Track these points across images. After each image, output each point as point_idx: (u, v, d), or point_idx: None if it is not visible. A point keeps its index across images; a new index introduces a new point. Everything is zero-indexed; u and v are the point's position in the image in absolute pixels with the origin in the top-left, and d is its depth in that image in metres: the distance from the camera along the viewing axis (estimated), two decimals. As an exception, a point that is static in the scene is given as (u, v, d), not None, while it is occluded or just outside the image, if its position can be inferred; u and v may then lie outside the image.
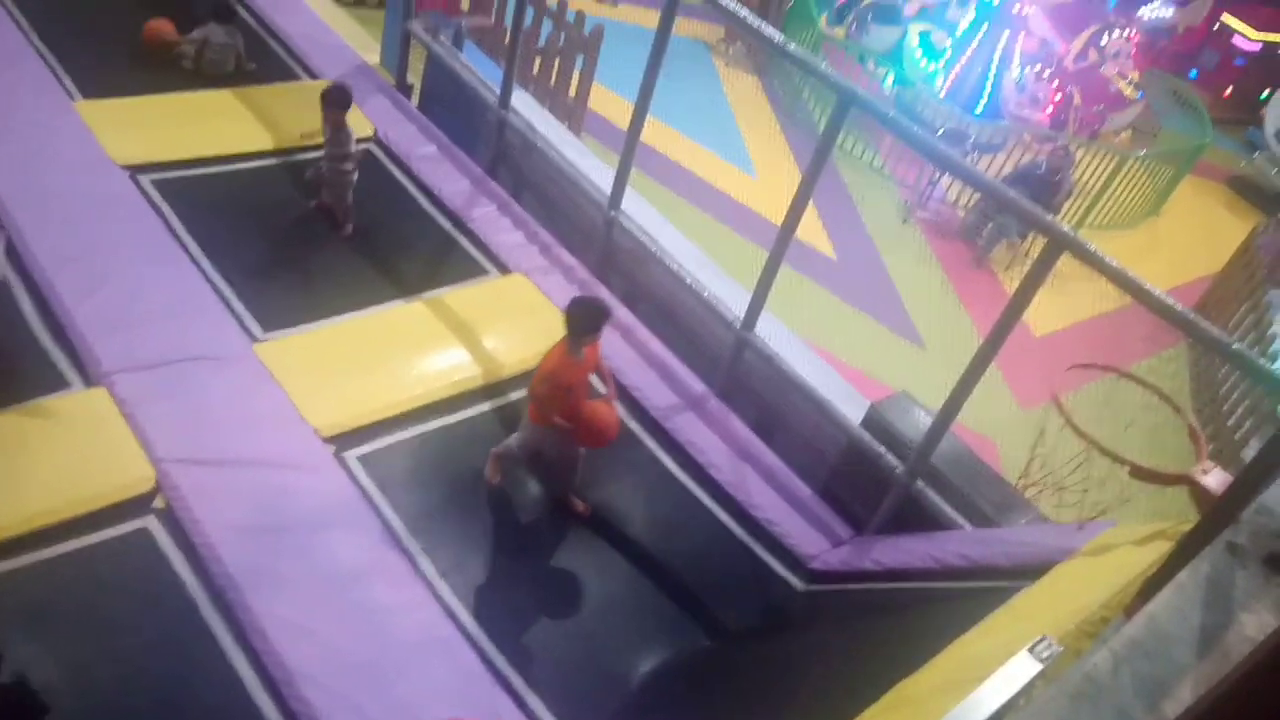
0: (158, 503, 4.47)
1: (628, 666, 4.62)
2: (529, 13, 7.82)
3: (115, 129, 6.40)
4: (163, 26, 7.39)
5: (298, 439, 4.91)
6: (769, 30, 5.42)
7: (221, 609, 4.16)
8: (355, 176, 6.40)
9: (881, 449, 5.24)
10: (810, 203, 5.40)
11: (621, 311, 6.38)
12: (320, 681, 3.93)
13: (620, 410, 5.83)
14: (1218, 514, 2.12)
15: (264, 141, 6.89)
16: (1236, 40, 16.62)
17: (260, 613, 4.10)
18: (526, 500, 5.18)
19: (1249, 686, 1.32)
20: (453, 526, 4.90)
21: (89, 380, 4.87)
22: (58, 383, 4.85)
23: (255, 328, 5.51)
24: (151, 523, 4.41)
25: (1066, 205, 11.04)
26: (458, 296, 6.15)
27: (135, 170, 6.22)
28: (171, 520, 4.42)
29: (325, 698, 3.89)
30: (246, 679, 3.97)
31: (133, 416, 4.68)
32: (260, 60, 7.83)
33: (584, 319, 4.62)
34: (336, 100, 6.11)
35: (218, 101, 7.11)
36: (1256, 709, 1.29)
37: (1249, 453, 8.02)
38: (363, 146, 7.29)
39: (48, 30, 7.21)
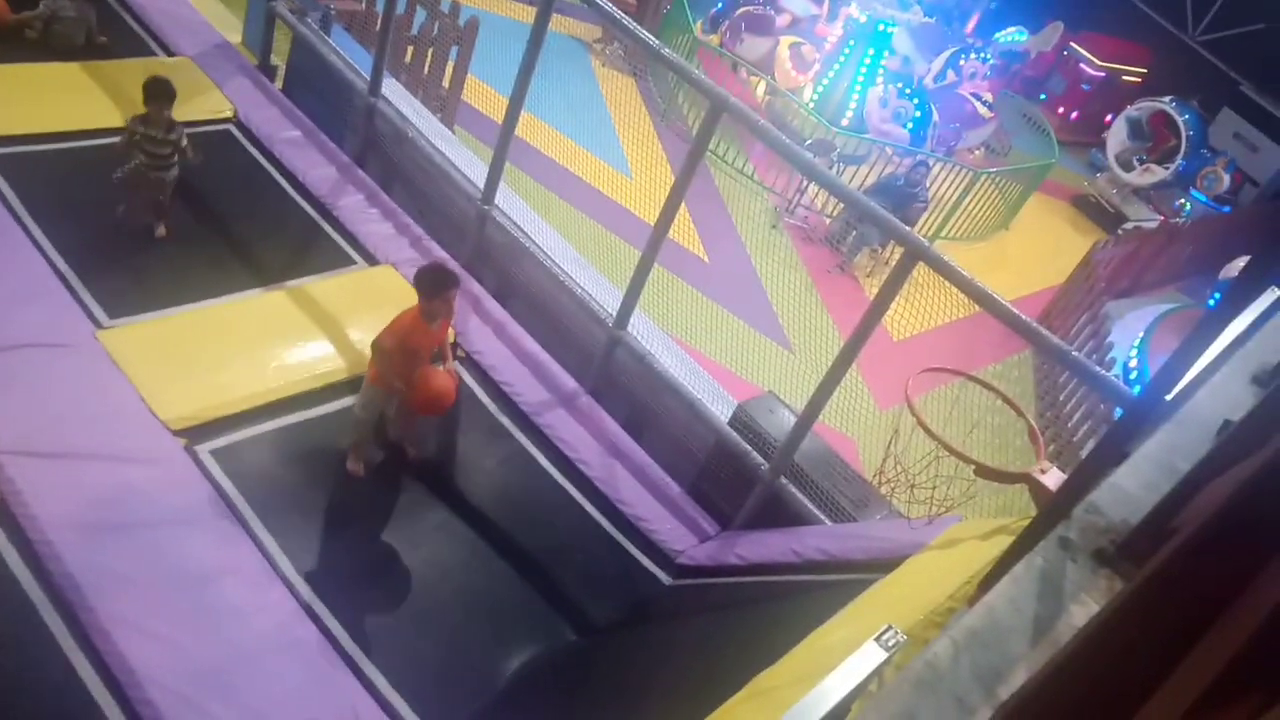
0: (-11, 499, 4.17)
1: (494, 663, 4.58)
2: (402, -1, 7.66)
3: (-54, 97, 5.94)
4: None
5: (144, 432, 4.66)
6: (644, 34, 5.47)
7: (61, 611, 3.90)
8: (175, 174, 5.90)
9: (748, 447, 5.37)
10: (684, 205, 5.48)
11: (494, 307, 6.33)
12: (167, 685, 3.75)
13: (491, 406, 5.80)
14: (1052, 511, 2.26)
15: (114, 118, 6.49)
16: (1083, 67, 17.72)
17: (103, 614, 3.87)
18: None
19: (1071, 667, 1.41)
20: (313, 523, 4.75)
21: (-90, 367, 4.50)
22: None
23: (100, 313, 5.20)
24: (-18, 521, 4.10)
25: (924, 218, 11.54)
26: (322, 286, 5.97)
27: (-33, 143, 5.78)
28: (5, 518, 4.12)
29: (174, 702, 3.71)
30: (89, 682, 3.74)
31: (-40, 407, 4.35)
32: (114, 35, 7.40)
33: (428, 282, 4.70)
34: (162, 92, 5.65)
35: (64, 75, 6.69)
36: (1077, 687, 1.38)
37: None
38: (223, 128, 7.00)
39: None
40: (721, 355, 8.51)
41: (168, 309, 5.39)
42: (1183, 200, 15.34)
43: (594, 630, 4.96)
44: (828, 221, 11.68)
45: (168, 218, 5.96)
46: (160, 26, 7.65)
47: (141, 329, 5.19)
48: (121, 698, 3.73)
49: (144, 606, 3.97)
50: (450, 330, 5.03)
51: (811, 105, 13.06)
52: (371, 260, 6.40)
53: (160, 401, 4.78)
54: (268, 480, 4.82)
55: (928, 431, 3.99)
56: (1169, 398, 2.55)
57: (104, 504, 4.26)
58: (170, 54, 7.46)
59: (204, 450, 4.80)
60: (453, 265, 6.48)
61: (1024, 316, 4.36)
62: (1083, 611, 1.73)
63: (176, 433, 4.75)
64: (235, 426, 4.97)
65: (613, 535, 5.41)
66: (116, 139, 5.76)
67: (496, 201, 6.39)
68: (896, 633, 2.54)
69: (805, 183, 11.44)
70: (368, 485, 5.07)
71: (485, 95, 10.38)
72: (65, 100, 6.47)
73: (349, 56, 7.32)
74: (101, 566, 4.03)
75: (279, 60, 7.89)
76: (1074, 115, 17.88)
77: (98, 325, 5.11)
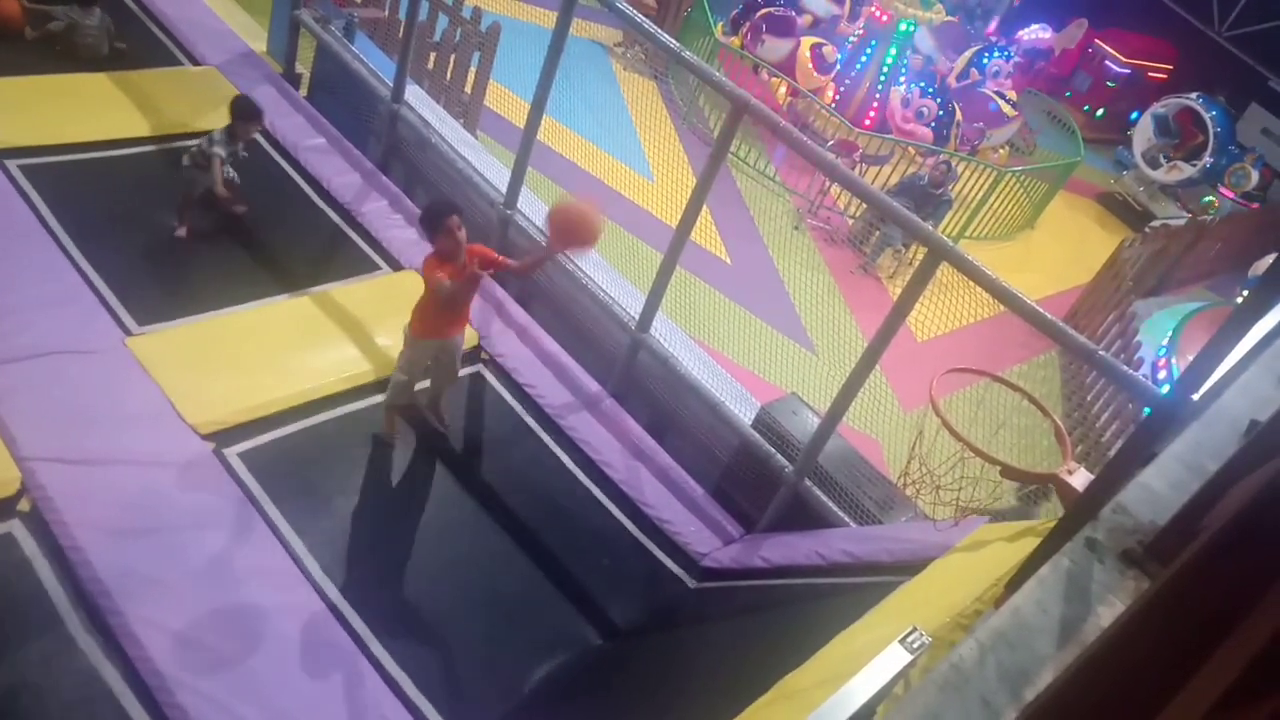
0: (22, 505, 4.23)
1: (519, 665, 4.59)
2: (424, 6, 7.70)
3: (-21, 110, 6.05)
4: (8, 5, 6.98)
5: (173, 436, 4.72)
6: (665, 37, 5.48)
7: (91, 615, 3.96)
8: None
9: (771, 450, 5.36)
10: (706, 207, 5.48)
11: (516, 310, 6.35)
12: (196, 688, 3.79)
13: (515, 408, 5.82)
14: (1079, 511, 2.24)
15: (142, 128, 6.60)
16: (1108, 64, 17.55)
17: (132, 617, 3.92)
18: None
19: (1096, 668, 1.41)
20: (339, 525, 4.79)
21: (-55, 374, 4.58)
22: (-91, 377, 4.56)
23: (129, 320, 5.27)
24: (15, 526, 4.16)
25: (947, 217, 11.47)
26: (347, 292, 6.02)
27: (2, 154, 5.88)
28: (38, 523, 4.18)
29: (202, 704, 3.75)
30: (116, 687, 3.79)
31: (-6, 413, 4.42)
32: (142, 45, 7.51)
33: (427, 221, 4.74)
34: (252, 113, 6.04)
35: (93, 85, 6.79)
36: (1102, 688, 1.38)
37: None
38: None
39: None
40: (744, 357, 8.49)
41: (195, 315, 5.46)
42: (1211, 197, 15.16)
43: (619, 633, 4.96)
44: (850, 222, 11.63)
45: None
46: (186, 36, 7.75)
47: (170, 335, 5.26)
48: (150, 701, 3.78)
49: (173, 608, 4.02)
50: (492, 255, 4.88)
51: (833, 105, 13.01)
52: (395, 265, 6.45)
53: (188, 406, 4.84)
54: (294, 482, 4.87)
55: (952, 432, 3.97)
56: (1197, 397, 2.52)
57: (133, 507, 4.32)
58: (196, 63, 7.55)
59: (232, 453, 4.86)
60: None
61: (1050, 316, 4.32)
62: (1110, 613, 1.72)
63: (204, 436, 4.81)
64: (262, 430, 5.03)
65: (637, 537, 5.42)
66: (146, 149, 5.86)
67: (519, 206, 6.42)
68: (921, 635, 2.53)
69: (828, 183, 11.41)
70: (393, 486, 5.11)
71: (507, 100, 10.42)
72: (93, 111, 6.57)
73: (372, 63, 7.38)
74: (130, 569, 4.09)
75: (303, 68, 7.96)
76: (1099, 112, 17.70)
77: (127, 332, 5.18)
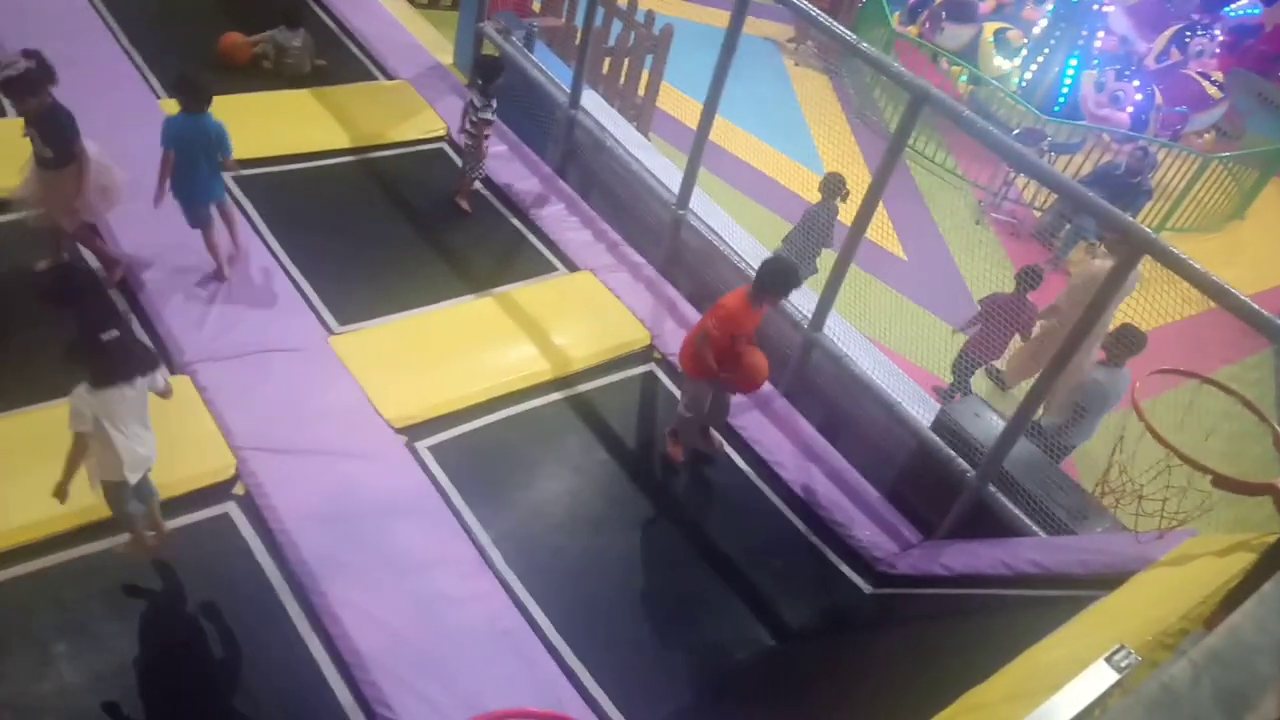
0: (238, 489, 4.61)
1: (692, 662, 4.62)
2: (599, 13, 7.86)
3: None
4: (236, 39, 7.58)
5: (370, 429, 5.02)
6: (840, 29, 5.38)
7: (297, 594, 4.28)
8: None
9: (952, 453, 5.17)
10: (880, 203, 5.35)
11: (688, 310, 6.39)
12: (389, 668, 4.02)
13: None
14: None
15: (341, 140, 7.05)
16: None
17: (334, 599, 4.20)
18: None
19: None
20: (520, 516, 4.97)
21: (173, 368, 5.03)
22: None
23: (331, 320, 5.65)
24: (232, 508, 4.55)
25: (1146, 208, 10.74)
26: (526, 292, 6.23)
27: (219, 167, 6.41)
28: (251, 507, 4.55)
29: (394, 684, 3.97)
30: (321, 662, 4.08)
31: (214, 404, 4.83)
32: (339, 61, 8.03)
33: (772, 277, 4.92)
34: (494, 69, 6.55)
35: (297, 101, 7.31)
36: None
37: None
38: (437, 146, 7.44)
39: (136, 33, 7.48)
40: (922, 357, 8.23)
41: (390, 315, 5.78)
42: None
43: (791, 635, 4.92)
44: (1037, 215, 11.07)
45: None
46: (380, 52, 8.23)
47: (367, 334, 5.60)
48: (349, 678, 4.04)
49: (368, 592, 4.28)
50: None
51: (1018, 92, 12.42)
52: (571, 267, 6.62)
53: (384, 401, 5.14)
54: (479, 476, 5.08)
55: (1158, 438, 3.70)
56: None
57: (334, 495, 4.63)
58: (389, 77, 8.00)
59: (422, 446, 5.12)
60: (648, 270, 6.62)
61: (1265, 312, 3.97)
62: (1343, 635, 1.57)
63: (398, 430, 5.09)
64: (450, 424, 5.27)
65: (811, 540, 5.35)
66: (345, 159, 6.25)
67: (690, 206, 6.46)
68: (1130, 653, 2.37)
69: (1012, 175, 10.90)
70: (570, 482, 5.24)
71: (678, 101, 10.51)
72: (297, 125, 7.07)
73: (550, 71, 7.60)
74: (331, 553, 4.38)
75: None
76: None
77: (329, 331, 5.55)
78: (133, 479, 3.86)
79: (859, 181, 5.97)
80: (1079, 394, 6.10)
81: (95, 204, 5.24)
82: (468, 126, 6.67)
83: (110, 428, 3.67)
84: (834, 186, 7.01)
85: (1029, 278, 6.72)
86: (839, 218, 6.94)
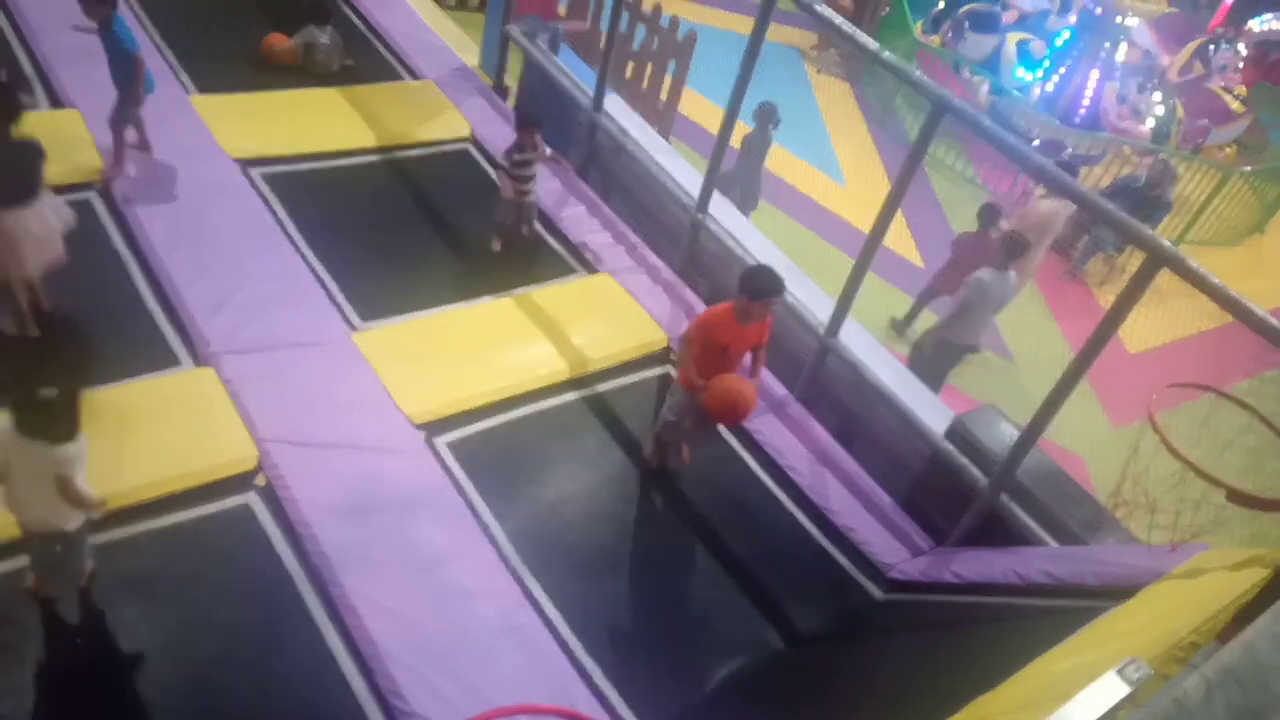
0: (259, 480, 4.67)
1: (702, 664, 4.66)
2: (624, 17, 7.91)
3: (228, 123, 6.70)
4: (279, 41, 7.68)
5: (390, 425, 5.08)
6: (863, 37, 5.41)
7: (316, 586, 4.33)
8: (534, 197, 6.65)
9: (965, 461, 5.19)
10: (899, 211, 5.38)
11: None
12: (404, 661, 4.07)
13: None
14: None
15: (367, 139, 7.12)
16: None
17: (351, 591, 4.25)
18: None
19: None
20: (536, 514, 5.01)
21: (197, 359, 5.12)
22: (168, 359, 5.12)
23: (354, 316, 5.72)
24: (253, 499, 4.61)
25: (1166, 220, 10.71)
26: (546, 294, 6.28)
27: (246, 163, 6.50)
28: (271, 498, 4.62)
29: (408, 677, 4.02)
30: (338, 654, 4.13)
31: (238, 396, 4.90)
32: (366, 60, 8.10)
33: (751, 282, 4.64)
34: (532, 120, 6.36)
35: (324, 99, 7.38)
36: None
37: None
38: (461, 146, 7.50)
39: (166, 28, 7.58)
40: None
41: (411, 313, 5.84)
42: None
43: (801, 639, 4.94)
44: (1056, 227, 11.04)
45: (532, 229, 6.72)
46: (406, 52, 8.31)
47: (389, 331, 5.66)
48: (365, 669, 4.09)
49: (385, 585, 4.33)
50: (765, 336, 4.96)
51: (1039, 103, 12.40)
52: (591, 269, 6.67)
53: (405, 397, 5.20)
54: (497, 473, 5.13)
55: (1173, 451, 3.72)
56: None
57: (354, 489, 4.68)
58: (415, 77, 8.08)
59: (441, 442, 5.18)
60: (666, 273, 6.67)
61: (1285, 328, 3.98)
62: (1358, 653, 1.59)
63: (418, 426, 5.15)
64: (468, 421, 5.33)
65: (822, 545, 5.38)
66: (371, 158, 6.30)
67: (710, 210, 6.50)
68: (1141, 665, 2.39)
69: (1030, 184, 10.90)
70: (586, 482, 5.29)
71: (700, 106, 10.55)
72: (326, 123, 7.14)
73: (575, 74, 7.65)
74: (349, 546, 4.43)
75: (511, 81, 8.36)
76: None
77: (352, 327, 5.61)
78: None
79: (879, 189, 6.00)
80: (965, 290, 6.96)
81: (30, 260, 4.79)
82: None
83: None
84: (767, 115, 8.12)
85: (989, 214, 7.69)
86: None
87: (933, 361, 7.29)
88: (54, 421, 3.43)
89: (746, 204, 8.37)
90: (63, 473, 3.48)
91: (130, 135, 6.01)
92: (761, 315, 4.73)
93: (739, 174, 8.28)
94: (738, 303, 4.70)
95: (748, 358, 5.09)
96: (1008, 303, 7.19)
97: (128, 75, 5.70)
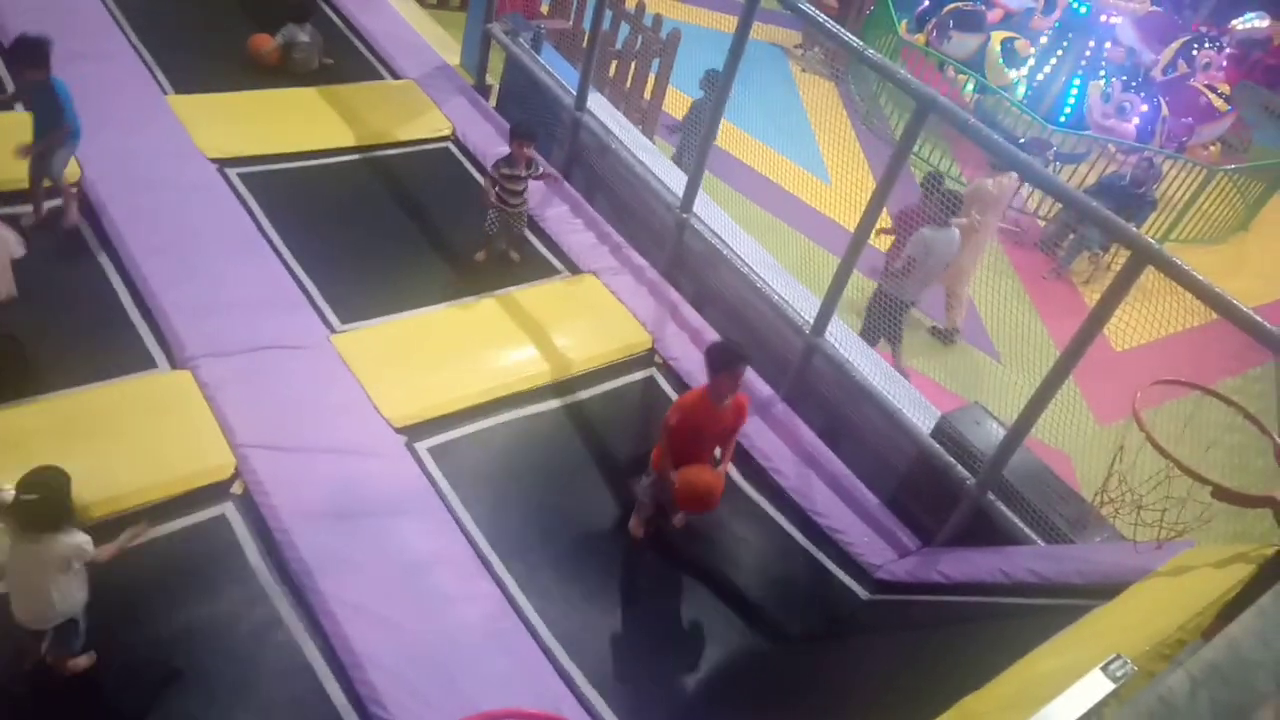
0: (236, 489, 4.59)
1: (688, 667, 4.62)
2: (607, 16, 7.87)
3: (205, 123, 6.62)
4: (264, 43, 7.60)
5: (371, 429, 5.02)
6: (848, 36, 5.39)
7: (294, 593, 4.26)
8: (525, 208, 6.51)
9: (952, 460, 5.16)
10: (885, 209, 5.35)
11: (690, 314, 6.40)
12: (385, 666, 4.01)
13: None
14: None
15: (346, 138, 7.06)
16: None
17: (330, 597, 4.19)
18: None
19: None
20: (518, 519, 4.96)
21: (174, 363, 5.04)
22: (145, 362, 5.04)
23: (333, 318, 5.65)
24: (229, 510, 4.52)
25: (1151, 219, 10.74)
26: (529, 294, 6.23)
27: (223, 164, 6.42)
28: (249, 506, 4.53)
29: (389, 683, 3.96)
30: (315, 663, 4.06)
31: (215, 401, 4.82)
32: (345, 59, 8.04)
33: (715, 355, 4.58)
34: (526, 133, 6.22)
35: (303, 99, 7.31)
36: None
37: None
38: (442, 145, 7.45)
39: (143, 28, 7.49)
40: (924, 365, 8.23)
41: (392, 315, 5.78)
42: None
43: (786, 641, 4.91)
44: (1041, 224, 11.07)
45: (519, 248, 6.58)
46: (387, 51, 8.24)
47: (370, 333, 5.59)
48: (344, 677, 4.02)
49: (366, 591, 4.27)
50: (742, 419, 4.89)
51: (1024, 101, 12.42)
52: (574, 269, 6.62)
53: (385, 401, 5.13)
54: (478, 477, 5.08)
55: (1159, 448, 3.70)
56: None
57: (333, 494, 4.62)
58: (396, 77, 8.02)
59: (422, 447, 5.11)
60: (651, 274, 6.63)
61: (1267, 324, 3.97)
62: (1342, 650, 1.56)
63: (398, 430, 5.08)
64: (450, 425, 5.27)
65: (807, 547, 5.34)
66: (351, 158, 6.21)
67: (694, 210, 6.46)
68: (1126, 663, 2.36)
69: (1017, 184, 10.89)
70: (568, 486, 5.24)
71: (684, 105, 10.50)
72: (304, 123, 7.07)
73: (557, 73, 7.61)
74: (330, 552, 4.36)
75: (493, 80, 8.30)
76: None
77: (331, 329, 5.54)
78: None
79: (864, 188, 5.98)
80: (910, 245, 7.21)
81: None
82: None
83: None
84: (713, 80, 7.94)
85: (931, 183, 7.66)
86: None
87: (879, 317, 7.37)
88: (50, 510, 3.44)
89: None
90: (75, 556, 3.51)
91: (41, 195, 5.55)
92: (732, 388, 4.62)
93: (687, 144, 8.35)
94: (709, 383, 4.62)
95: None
96: (950, 258, 7.46)
97: (54, 123, 5.34)
